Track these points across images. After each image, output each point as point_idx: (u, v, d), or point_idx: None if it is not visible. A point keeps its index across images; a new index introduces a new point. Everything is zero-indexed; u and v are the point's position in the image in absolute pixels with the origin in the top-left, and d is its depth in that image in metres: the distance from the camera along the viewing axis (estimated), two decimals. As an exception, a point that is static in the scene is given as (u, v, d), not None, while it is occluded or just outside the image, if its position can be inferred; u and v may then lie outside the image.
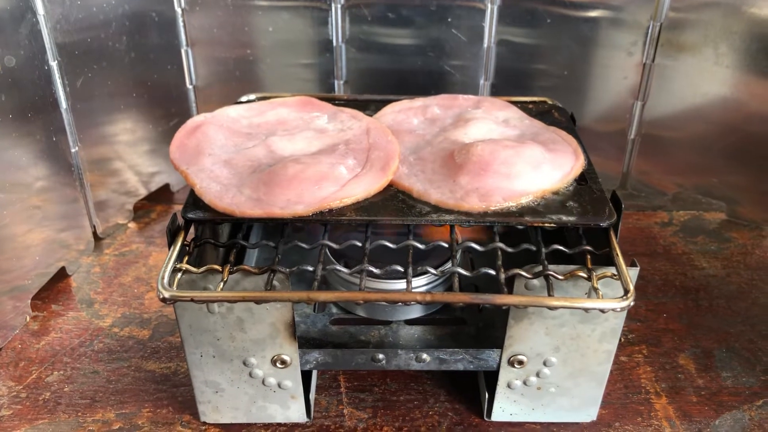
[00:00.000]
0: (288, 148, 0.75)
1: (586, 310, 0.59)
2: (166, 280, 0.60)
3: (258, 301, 0.60)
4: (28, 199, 0.88)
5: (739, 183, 1.06)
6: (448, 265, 0.63)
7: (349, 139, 0.77)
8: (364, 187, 0.68)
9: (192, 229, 0.68)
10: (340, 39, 1.08)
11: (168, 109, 1.08)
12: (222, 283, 0.61)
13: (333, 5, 1.04)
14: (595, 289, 0.60)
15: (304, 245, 0.66)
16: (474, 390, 0.77)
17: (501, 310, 0.72)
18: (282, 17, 1.06)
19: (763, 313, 0.88)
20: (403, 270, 0.62)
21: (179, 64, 1.05)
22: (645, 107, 1.05)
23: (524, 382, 0.70)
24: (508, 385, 0.71)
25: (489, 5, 1.03)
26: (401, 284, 0.71)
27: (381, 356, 0.69)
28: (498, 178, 0.68)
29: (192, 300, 0.59)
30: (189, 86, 1.08)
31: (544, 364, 0.69)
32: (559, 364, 0.69)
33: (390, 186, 0.70)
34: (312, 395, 0.75)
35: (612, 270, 0.62)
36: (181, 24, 1.03)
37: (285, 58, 1.11)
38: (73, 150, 0.94)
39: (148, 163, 1.10)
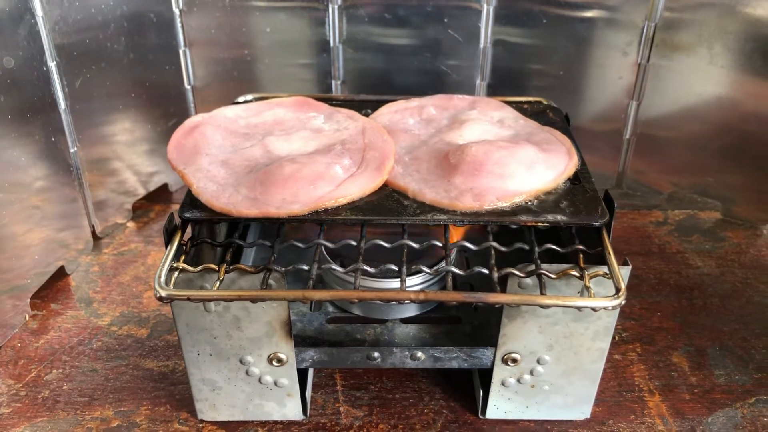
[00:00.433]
0: (284, 148, 0.75)
1: (578, 308, 0.60)
2: (162, 279, 0.60)
3: (254, 300, 0.61)
4: (27, 198, 0.89)
5: (734, 182, 1.07)
6: (442, 264, 0.64)
7: (345, 138, 0.77)
8: (360, 186, 0.69)
9: (189, 229, 0.68)
10: (337, 39, 1.08)
11: (166, 109, 1.08)
12: (218, 282, 0.61)
13: (330, 6, 1.04)
14: (587, 288, 0.61)
15: (299, 244, 0.67)
16: (469, 388, 0.78)
17: (495, 309, 0.73)
18: (279, 18, 1.07)
19: (756, 311, 0.89)
20: (397, 269, 0.63)
21: (177, 65, 1.06)
22: (640, 107, 1.06)
23: (518, 380, 0.71)
24: (502, 383, 0.72)
25: (485, 6, 1.04)
26: (396, 283, 0.72)
27: (376, 354, 0.70)
28: (492, 178, 0.69)
29: (188, 299, 0.60)
30: (187, 86, 1.09)
31: (538, 362, 0.70)
32: (553, 362, 0.70)
33: (385, 185, 0.70)
34: (308, 393, 0.75)
35: (604, 269, 0.63)
36: (179, 25, 1.04)
37: (282, 58, 1.11)
38: (71, 150, 0.94)
39: (147, 163, 1.10)
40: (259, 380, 0.71)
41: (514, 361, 0.69)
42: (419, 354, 0.70)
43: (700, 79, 1.01)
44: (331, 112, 0.84)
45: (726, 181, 1.08)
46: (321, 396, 0.77)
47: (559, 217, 0.65)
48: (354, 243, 0.66)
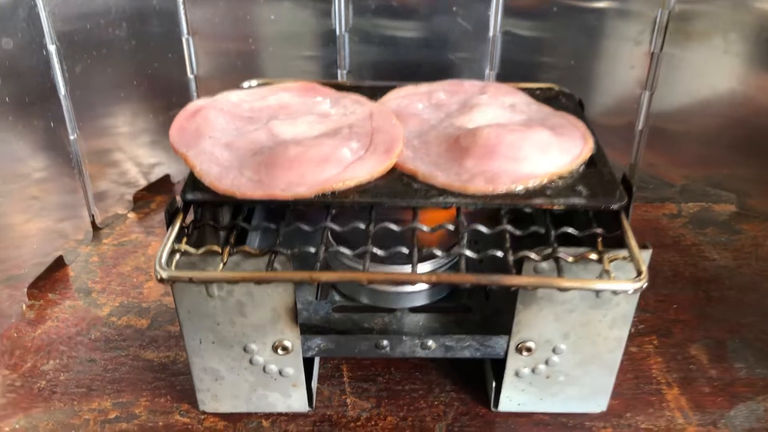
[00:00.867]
0: (290, 132, 0.73)
1: (598, 291, 0.57)
2: (164, 261, 0.58)
3: (258, 282, 0.58)
4: (26, 188, 0.87)
5: (748, 175, 1.04)
6: (455, 248, 0.61)
7: (352, 123, 0.75)
8: (368, 169, 0.66)
9: (191, 213, 0.66)
10: (343, 28, 1.06)
11: (169, 99, 1.06)
12: (222, 265, 0.59)
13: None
14: (607, 272, 0.58)
15: (306, 227, 0.64)
16: (480, 380, 0.76)
17: (508, 296, 0.70)
18: (284, 6, 1.05)
19: (775, 304, 0.87)
20: (407, 252, 0.60)
21: (180, 53, 1.04)
22: (653, 98, 1.03)
23: (532, 370, 0.68)
24: (516, 374, 0.69)
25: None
26: (406, 269, 0.69)
27: (385, 343, 0.68)
28: (505, 161, 0.67)
29: (190, 280, 0.57)
30: (190, 76, 1.07)
31: (553, 351, 0.67)
32: (569, 352, 0.67)
33: (394, 169, 0.68)
34: (314, 384, 0.73)
35: (624, 252, 0.60)
36: (182, 12, 1.02)
37: (287, 48, 1.09)
38: (71, 137, 0.92)
39: (148, 154, 1.08)
40: (264, 369, 0.68)
41: (529, 350, 0.67)
42: (430, 343, 0.68)
43: (714, 68, 0.99)
44: (338, 97, 0.82)
45: (740, 174, 1.05)
46: (327, 387, 0.75)
47: (576, 200, 0.63)
48: (362, 226, 0.64)
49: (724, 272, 0.92)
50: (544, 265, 0.60)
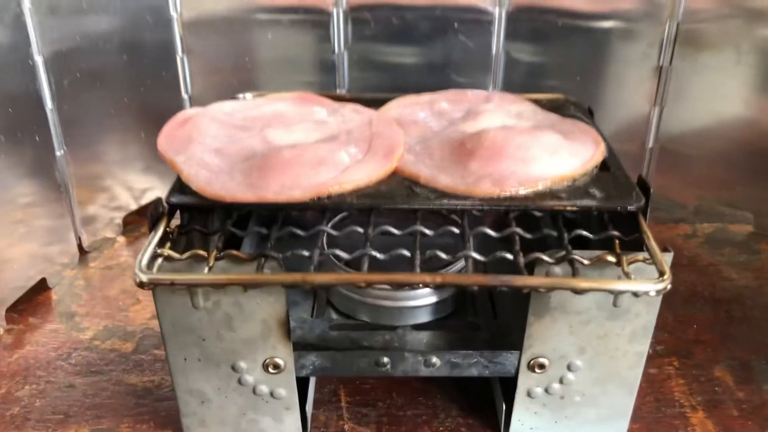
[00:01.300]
0: (285, 139, 0.69)
1: (619, 293, 0.52)
2: (144, 264, 0.53)
3: (247, 286, 0.54)
4: (11, 212, 0.83)
5: (764, 194, 1.00)
6: (460, 252, 0.56)
7: (350, 129, 0.71)
8: (367, 172, 0.62)
9: (178, 219, 0.62)
10: (342, 46, 1.03)
11: (161, 119, 1.02)
12: (207, 269, 0.54)
13: (335, 9, 0.99)
14: (626, 274, 0.53)
15: (300, 232, 0.60)
16: (489, 404, 0.70)
17: (518, 310, 0.65)
18: (282, 28, 1.02)
19: (802, 324, 0.81)
20: (409, 254, 0.56)
21: (174, 72, 1.01)
22: (663, 114, 1.00)
23: (546, 390, 0.63)
24: (528, 394, 0.63)
25: (497, 9, 0.99)
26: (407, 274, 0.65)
27: (386, 360, 0.62)
28: (512, 162, 0.62)
29: (172, 284, 0.52)
30: (184, 96, 1.03)
31: (568, 368, 0.62)
32: (585, 368, 0.62)
33: (395, 173, 0.64)
34: (309, 408, 0.67)
35: (644, 254, 0.55)
36: (176, 30, 0.99)
37: (285, 72, 1.06)
38: (58, 154, 0.88)
39: (140, 177, 1.04)
40: (254, 391, 0.63)
41: (542, 366, 0.61)
42: (434, 360, 0.62)
43: (726, 81, 0.96)
44: (336, 107, 0.78)
45: (756, 194, 1.01)
46: (323, 413, 0.69)
47: (591, 202, 0.59)
48: (360, 230, 0.59)
49: (746, 292, 0.87)
50: (558, 270, 0.56)
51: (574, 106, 0.81)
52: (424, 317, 0.68)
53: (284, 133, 0.70)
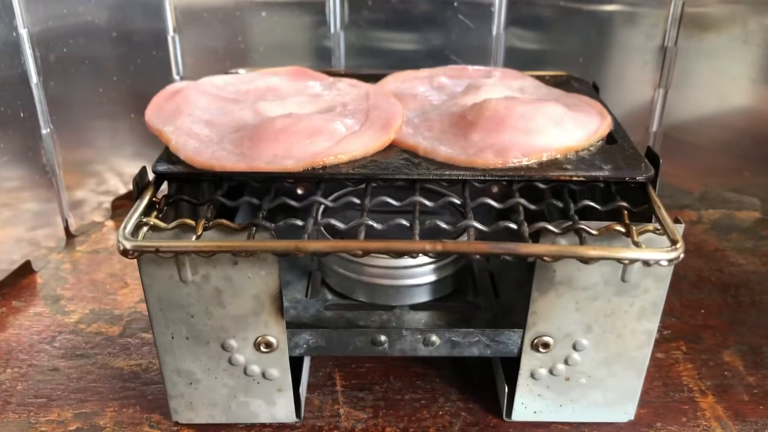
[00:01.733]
0: (278, 111, 0.66)
1: (628, 262, 0.49)
2: (128, 231, 0.50)
3: (237, 252, 0.51)
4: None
5: (772, 180, 0.98)
6: (461, 222, 0.54)
7: (346, 102, 0.69)
8: (363, 143, 0.60)
9: (166, 190, 0.59)
10: (338, 29, 1.01)
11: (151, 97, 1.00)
12: (195, 237, 0.51)
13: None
14: (636, 244, 0.51)
15: (293, 202, 0.57)
16: (491, 387, 0.67)
17: (521, 291, 0.63)
18: (276, 6, 1.00)
19: (812, 310, 0.79)
20: (408, 225, 0.53)
21: (165, 52, 0.98)
22: (667, 98, 0.97)
23: (550, 371, 0.60)
24: (532, 375, 0.60)
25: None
26: (407, 261, 0.62)
27: (383, 338, 0.59)
28: (515, 133, 0.60)
29: (157, 251, 0.50)
30: (176, 77, 1.01)
31: (574, 347, 0.59)
32: (591, 348, 0.59)
33: (392, 146, 0.61)
34: (303, 391, 0.64)
35: (654, 225, 0.53)
36: (167, 7, 0.96)
37: (279, 50, 1.03)
38: (43, 132, 0.85)
39: (129, 160, 1.01)
40: (245, 371, 0.60)
41: (546, 346, 0.59)
42: (433, 338, 0.59)
43: (733, 62, 0.93)
44: (331, 82, 0.75)
45: (763, 180, 0.98)
46: (318, 397, 0.66)
47: (598, 173, 0.56)
48: (357, 201, 0.57)
49: (754, 277, 0.84)
50: (563, 241, 0.53)
51: (578, 82, 0.78)
52: (423, 297, 0.65)
53: (277, 106, 0.68)
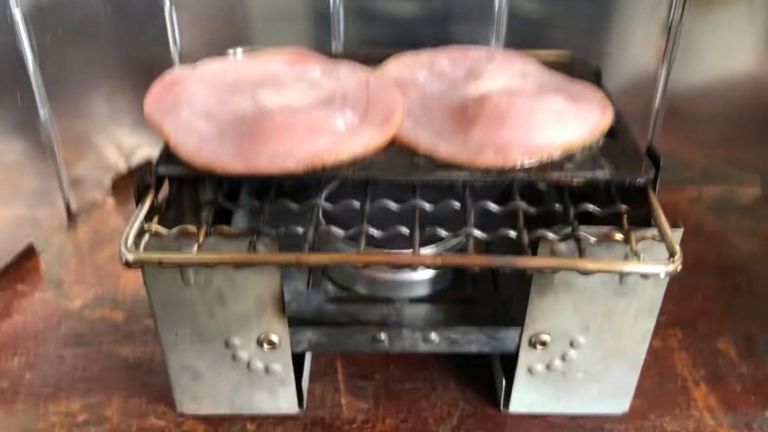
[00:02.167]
0: (277, 101, 0.65)
1: (626, 274, 0.50)
2: (130, 241, 0.51)
3: (238, 266, 0.51)
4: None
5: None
6: (461, 229, 0.54)
7: (346, 91, 0.68)
8: (364, 140, 0.59)
9: (166, 190, 0.59)
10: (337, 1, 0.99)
11: (149, 71, 0.98)
12: (197, 246, 0.52)
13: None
14: (635, 253, 0.51)
15: (293, 205, 0.57)
16: (489, 377, 0.68)
17: (520, 285, 0.63)
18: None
19: (809, 295, 0.79)
20: (408, 233, 0.53)
21: (162, 24, 0.96)
22: (671, 72, 0.96)
23: (547, 367, 0.61)
24: (529, 371, 0.62)
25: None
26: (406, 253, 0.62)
27: (383, 336, 0.60)
28: (516, 130, 0.59)
29: (160, 263, 0.50)
30: (173, 48, 0.99)
31: (571, 345, 0.60)
32: (588, 346, 0.60)
33: (393, 141, 0.61)
34: (305, 382, 0.65)
35: (653, 231, 0.53)
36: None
37: (277, 18, 1.01)
38: (41, 112, 0.84)
39: (129, 134, 1.00)
40: (248, 366, 0.61)
41: (543, 344, 0.60)
42: (433, 336, 0.60)
43: (738, 37, 0.91)
44: (331, 66, 0.74)
45: (765, 153, 0.97)
46: (319, 386, 0.68)
47: (598, 174, 0.56)
48: (357, 204, 0.57)
49: (750, 261, 0.85)
50: (562, 247, 0.53)
51: (582, 65, 0.77)
52: (423, 290, 0.66)
53: (276, 95, 0.67)
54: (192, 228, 0.53)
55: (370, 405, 0.65)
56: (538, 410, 0.65)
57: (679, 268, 0.49)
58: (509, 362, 0.63)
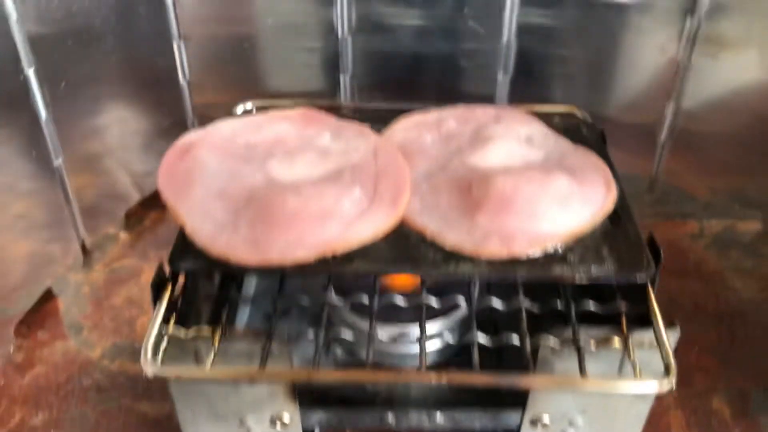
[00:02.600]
0: (288, 174, 0.68)
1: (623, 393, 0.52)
2: (150, 349, 0.54)
3: (251, 381, 0.54)
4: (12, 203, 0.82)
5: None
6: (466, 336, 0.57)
7: (354, 162, 0.69)
8: (373, 226, 0.61)
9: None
10: (345, 30, 0.99)
11: (159, 98, 1.00)
12: (213, 355, 0.54)
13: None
14: (632, 364, 0.54)
15: (304, 304, 0.60)
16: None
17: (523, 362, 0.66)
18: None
19: (805, 345, 0.82)
20: (415, 334, 0.56)
21: (170, 49, 0.97)
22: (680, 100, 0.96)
23: (547, 442, 0.65)
24: (530, 443, 0.65)
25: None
26: (413, 346, 0.65)
27: (390, 417, 0.63)
28: (521, 218, 0.61)
29: (179, 378, 0.53)
30: (181, 80, 1.00)
31: (570, 424, 0.63)
32: (586, 425, 0.63)
33: (401, 224, 0.63)
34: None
35: (650, 336, 0.55)
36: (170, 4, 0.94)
37: (286, 42, 1.02)
38: (47, 134, 0.85)
39: (139, 161, 1.02)
40: (262, 441, 0.64)
41: (544, 425, 0.63)
42: (438, 417, 0.63)
43: (747, 73, 0.92)
44: (338, 128, 0.75)
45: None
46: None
47: (599, 271, 0.58)
48: (365, 301, 0.59)
49: (749, 306, 0.87)
50: (563, 352, 0.56)
51: (587, 127, 0.78)
52: (430, 360, 0.68)
53: (287, 167, 0.69)
54: (207, 332, 0.55)
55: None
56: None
57: (674, 386, 0.51)
58: (510, 434, 0.66)
